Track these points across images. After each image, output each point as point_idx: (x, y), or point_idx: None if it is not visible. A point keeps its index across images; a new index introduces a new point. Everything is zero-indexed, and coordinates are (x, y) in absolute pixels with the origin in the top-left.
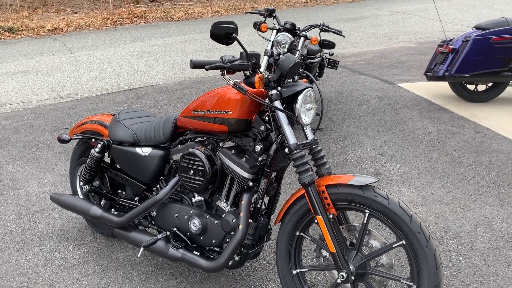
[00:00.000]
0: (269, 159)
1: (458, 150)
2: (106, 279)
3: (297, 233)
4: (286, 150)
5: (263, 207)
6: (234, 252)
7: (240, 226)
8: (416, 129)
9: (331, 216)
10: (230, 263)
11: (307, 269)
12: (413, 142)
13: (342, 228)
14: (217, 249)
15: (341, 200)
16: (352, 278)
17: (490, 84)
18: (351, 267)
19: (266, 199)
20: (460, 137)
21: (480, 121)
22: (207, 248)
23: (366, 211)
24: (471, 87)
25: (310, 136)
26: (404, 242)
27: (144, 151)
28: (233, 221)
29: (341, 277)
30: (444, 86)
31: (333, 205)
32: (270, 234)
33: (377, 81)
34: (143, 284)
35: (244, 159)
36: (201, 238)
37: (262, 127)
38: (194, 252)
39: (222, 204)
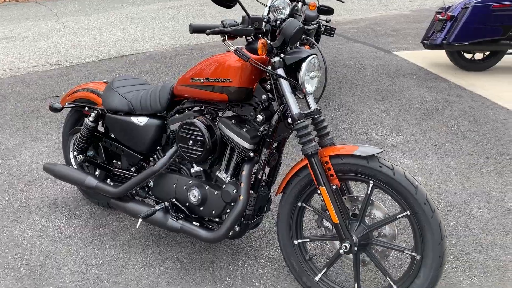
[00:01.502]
0: (271, 129)
1: (455, 119)
2: (103, 250)
3: (299, 204)
4: (289, 120)
5: (264, 177)
6: (235, 223)
7: (241, 197)
8: (413, 98)
9: (334, 187)
10: (231, 233)
11: (308, 240)
12: (410, 111)
13: (345, 198)
14: (217, 219)
15: (345, 171)
16: (355, 249)
17: (487, 53)
18: (354, 238)
19: (266, 169)
20: (457, 107)
21: (477, 90)
22: (207, 219)
23: (371, 181)
24: (468, 55)
25: (313, 106)
26: (409, 213)
27: (140, 120)
28: (234, 192)
29: (344, 247)
30: (440, 55)
31: (336, 176)
32: (270, 204)
33: (372, 49)
34: (141, 254)
35: (244, 129)
36: (201, 208)
37: (264, 96)
38: (194, 222)
39: (221, 174)
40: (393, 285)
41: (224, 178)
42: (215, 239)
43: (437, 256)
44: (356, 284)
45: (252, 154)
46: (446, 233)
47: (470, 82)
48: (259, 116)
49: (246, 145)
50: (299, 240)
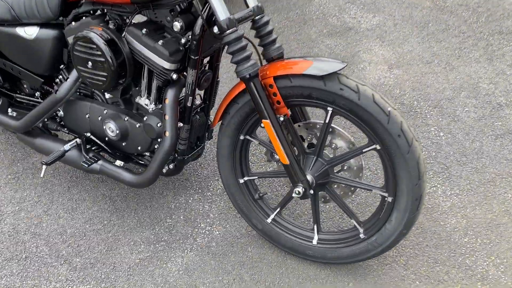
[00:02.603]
0: (195, 42)
1: None
2: (21, 192)
3: (242, 137)
4: (215, 29)
5: (197, 102)
6: (162, 164)
7: (167, 133)
8: None
9: (282, 118)
10: (164, 171)
11: (256, 177)
12: None
13: (299, 126)
14: (148, 154)
15: (295, 95)
16: (311, 192)
17: None
18: (310, 178)
19: (201, 94)
20: None
21: None
22: (136, 154)
23: (329, 108)
24: None
25: (252, 3)
26: (378, 147)
27: (29, 32)
28: (158, 125)
29: (296, 193)
30: None
31: (284, 103)
32: (212, 132)
33: None
34: (66, 195)
35: (161, 42)
36: (123, 144)
37: None
38: (117, 162)
39: (143, 101)
40: (359, 228)
41: (147, 105)
42: (141, 183)
43: (414, 199)
44: (315, 226)
45: (175, 76)
46: (425, 170)
47: None
48: (176, 23)
49: (165, 64)
50: (245, 178)
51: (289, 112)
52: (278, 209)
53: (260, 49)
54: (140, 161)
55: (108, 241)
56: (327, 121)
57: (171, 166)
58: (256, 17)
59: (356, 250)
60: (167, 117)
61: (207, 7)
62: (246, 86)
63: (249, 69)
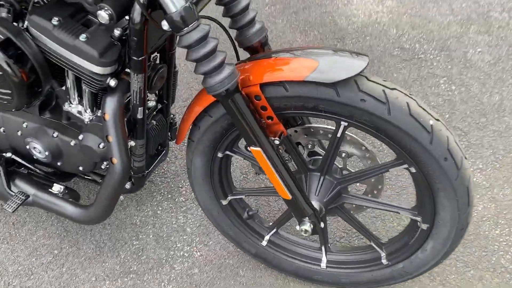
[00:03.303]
0: (135, 38)
1: None
2: None
3: (220, 155)
4: (165, 25)
5: (151, 104)
6: (114, 197)
7: (114, 160)
8: None
9: (277, 141)
10: (128, 187)
11: (243, 195)
12: None
13: (295, 132)
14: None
15: (294, 107)
16: (321, 225)
17: None
18: (317, 205)
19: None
20: None
21: None
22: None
23: (343, 123)
24: None
25: None
26: (414, 170)
27: None
28: (100, 146)
29: (303, 231)
30: None
31: (278, 118)
32: (176, 130)
33: None
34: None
35: (83, 36)
36: (59, 164)
37: None
38: (55, 188)
39: (73, 109)
40: (381, 252)
41: (80, 114)
42: (89, 220)
43: (459, 229)
44: (323, 247)
45: (113, 82)
46: (474, 195)
47: None
48: (102, 13)
49: (95, 68)
50: (230, 198)
51: (286, 132)
52: (275, 229)
53: (233, 33)
54: (87, 177)
55: (63, 278)
56: (338, 134)
57: (127, 186)
58: None
59: (377, 276)
60: (110, 138)
61: None
62: (221, 103)
63: (224, 83)
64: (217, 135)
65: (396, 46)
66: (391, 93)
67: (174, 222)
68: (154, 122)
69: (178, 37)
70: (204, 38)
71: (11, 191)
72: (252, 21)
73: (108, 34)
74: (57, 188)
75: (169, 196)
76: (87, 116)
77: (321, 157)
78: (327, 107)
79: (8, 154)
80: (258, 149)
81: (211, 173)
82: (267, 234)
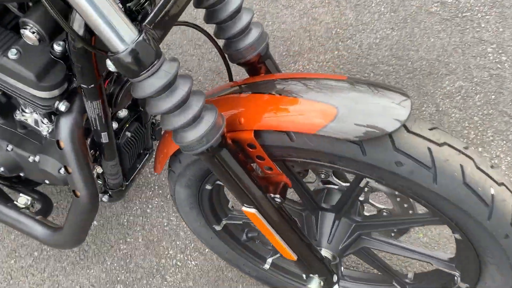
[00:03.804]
0: (79, 64)
1: None
2: None
3: (208, 187)
4: (110, 66)
5: (122, 115)
6: (84, 225)
7: (78, 193)
8: None
9: (279, 199)
10: (106, 200)
11: (241, 221)
12: None
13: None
14: None
15: (301, 159)
16: (335, 280)
17: None
18: (329, 254)
19: None
20: None
21: None
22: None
23: (368, 180)
24: None
25: None
26: (459, 238)
27: None
28: (60, 171)
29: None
30: None
31: (280, 168)
32: (159, 131)
33: None
34: None
35: (14, 53)
36: (22, 175)
37: None
38: (20, 200)
39: (28, 118)
40: None
41: (36, 125)
42: (57, 244)
43: None
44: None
45: (63, 106)
46: None
47: None
48: (27, 32)
49: (35, 92)
50: (224, 222)
51: (291, 184)
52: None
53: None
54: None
55: (44, 286)
56: (362, 190)
57: (104, 199)
58: None
59: None
60: (69, 169)
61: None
62: (201, 159)
63: (203, 142)
64: (202, 172)
65: (435, 1)
66: (440, 152)
67: (165, 224)
68: (129, 134)
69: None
70: (171, 84)
71: None
72: (246, 29)
73: (46, 49)
74: (23, 200)
75: (160, 192)
76: (44, 128)
77: (336, 187)
78: (347, 166)
79: None
80: (253, 210)
81: (200, 202)
82: (270, 257)
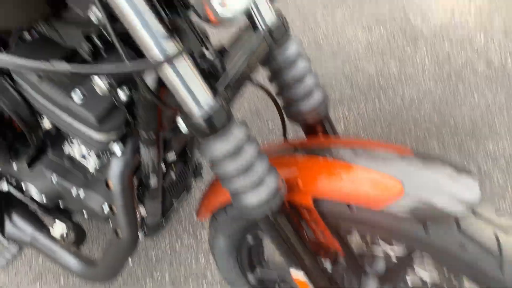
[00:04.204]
0: (144, 112)
1: None
2: None
3: (250, 240)
4: (181, 125)
5: (172, 158)
6: (120, 264)
7: (120, 233)
8: None
9: (329, 266)
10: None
11: (276, 275)
12: None
13: None
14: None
15: (358, 230)
16: None
17: None
18: None
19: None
20: None
21: None
22: None
23: (423, 253)
24: None
25: (269, 16)
26: None
27: None
28: (105, 210)
29: None
30: None
31: (333, 235)
32: (201, 169)
33: None
34: None
35: (78, 95)
36: (60, 203)
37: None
38: (56, 230)
39: (76, 151)
40: None
41: (84, 158)
42: (91, 278)
43: None
44: None
45: (117, 149)
46: None
47: None
48: (97, 79)
49: (93, 134)
50: (259, 272)
51: (344, 253)
52: None
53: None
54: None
55: None
56: (409, 260)
57: (140, 236)
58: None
59: None
60: (115, 209)
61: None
62: (257, 223)
63: (264, 208)
64: (248, 223)
65: (482, 59)
66: (508, 240)
67: (193, 264)
68: (174, 176)
69: (199, 140)
70: (239, 148)
71: (4, 237)
72: (309, 93)
73: (111, 93)
74: (59, 230)
75: (191, 229)
76: (91, 163)
77: (384, 255)
78: (406, 242)
79: (4, 187)
80: (300, 274)
81: (239, 253)
82: None
